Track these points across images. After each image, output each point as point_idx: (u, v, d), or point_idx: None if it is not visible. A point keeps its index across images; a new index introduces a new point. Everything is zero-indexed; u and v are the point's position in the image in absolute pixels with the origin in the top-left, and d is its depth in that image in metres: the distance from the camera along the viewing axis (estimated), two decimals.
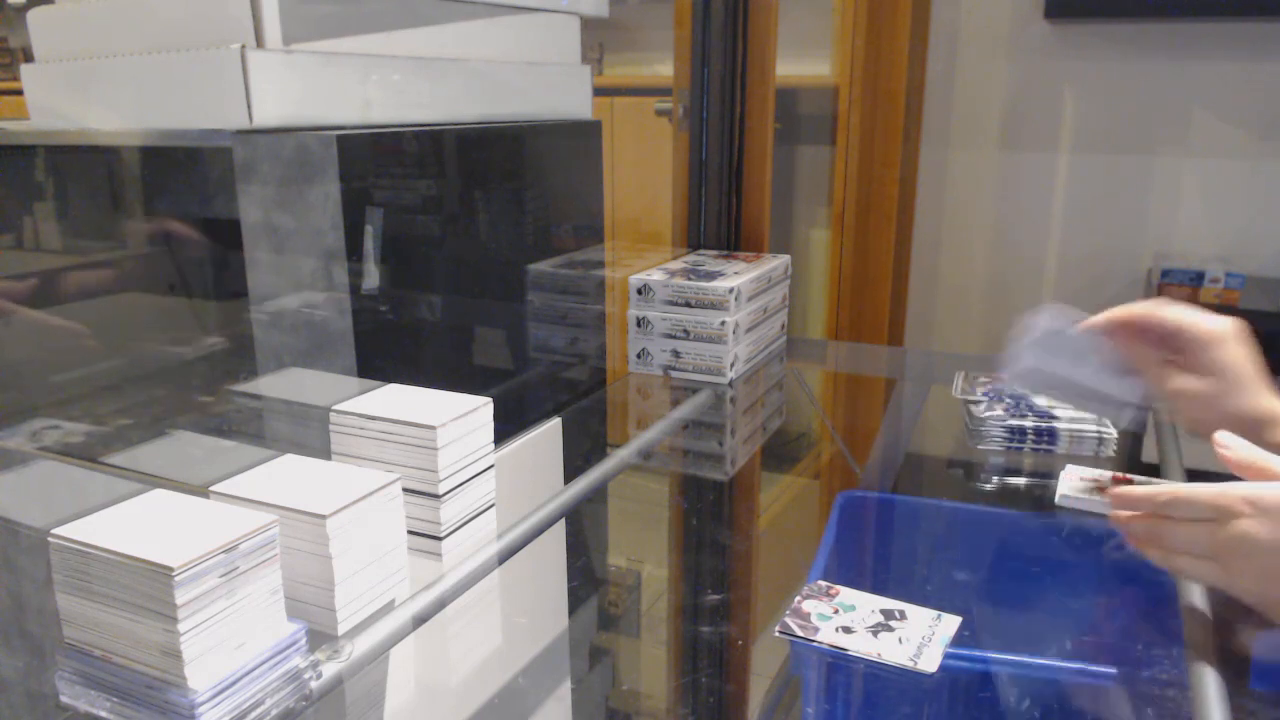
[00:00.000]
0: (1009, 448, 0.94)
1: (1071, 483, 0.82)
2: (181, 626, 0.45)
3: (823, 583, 0.66)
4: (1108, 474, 0.84)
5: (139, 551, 0.45)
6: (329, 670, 0.54)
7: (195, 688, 0.46)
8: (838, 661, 0.60)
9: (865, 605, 0.63)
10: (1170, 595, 0.68)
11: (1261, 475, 0.58)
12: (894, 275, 2.27)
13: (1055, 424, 0.93)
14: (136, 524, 0.48)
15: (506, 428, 0.81)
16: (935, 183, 2.42)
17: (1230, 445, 0.59)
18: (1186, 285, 1.99)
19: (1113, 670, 0.62)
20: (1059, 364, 0.72)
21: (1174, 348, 0.71)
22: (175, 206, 0.78)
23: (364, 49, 0.74)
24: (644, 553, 0.88)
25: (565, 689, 0.67)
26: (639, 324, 1.13)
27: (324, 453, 0.65)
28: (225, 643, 0.47)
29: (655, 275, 1.13)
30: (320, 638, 0.55)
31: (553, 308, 0.96)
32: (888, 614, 0.62)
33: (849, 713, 0.62)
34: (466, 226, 0.83)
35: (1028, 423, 0.94)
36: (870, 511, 0.88)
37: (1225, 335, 0.70)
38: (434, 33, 0.81)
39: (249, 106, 0.65)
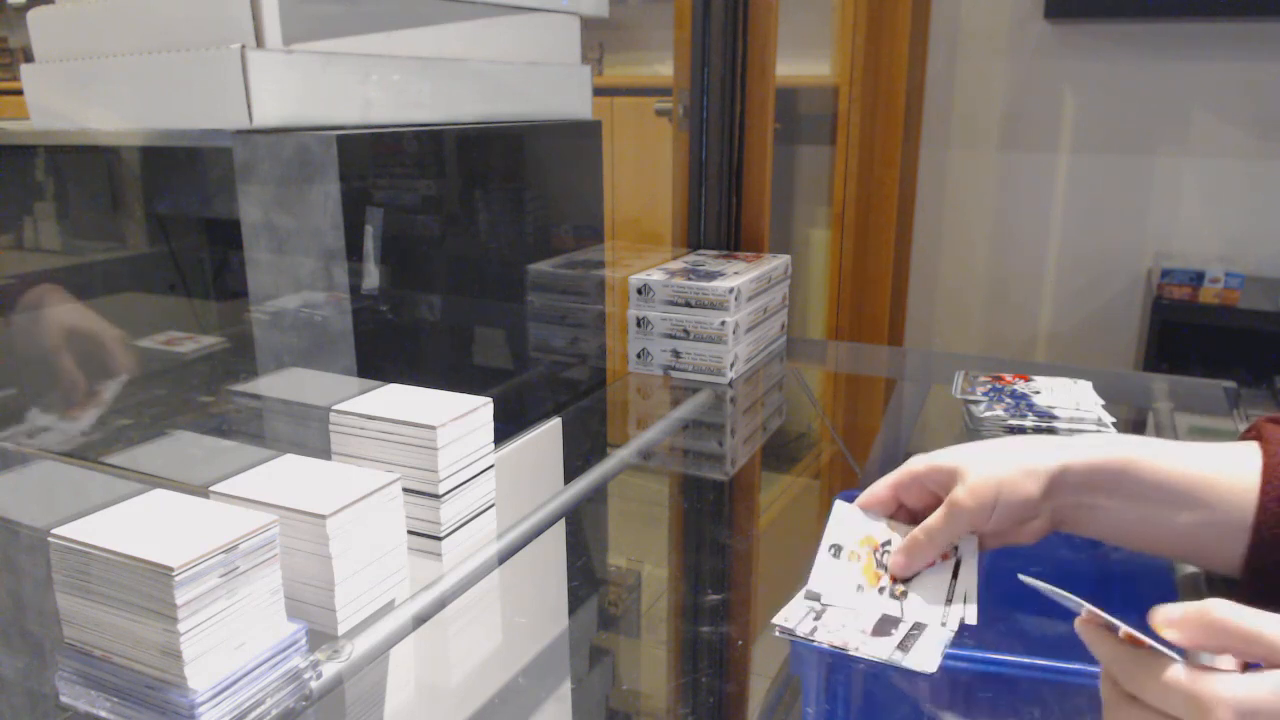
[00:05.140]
0: None
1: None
2: (181, 626, 0.45)
3: None
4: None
5: (139, 551, 0.45)
6: (329, 670, 0.54)
7: (195, 688, 0.46)
8: (838, 661, 0.60)
9: (865, 605, 0.63)
10: (1170, 595, 0.68)
11: (1242, 644, 0.43)
12: (894, 275, 2.28)
13: (1055, 424, 0.93)
14: (136, 524, 0.48)
15: (506, 428, 0.81)
16: (935, 183, 2.43)
17: (1178, 621, 0.44)
18: (1186, 285, 2.00)
19: None
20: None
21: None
22: (175, 206, 0.78)
23: (364, 49, 0.74)
24: (644, 553, 0.88)
25: (565, 689, 0.66)
26: (639, 324, 1.13)
27: (324, 453, 0.65)
28: (225, 643, 0.47)
29: (655, 275, 1.13)
30: (320, 638, 0.55)
31: (553, 308, 0.96)
32: (888, 614, 0.62)
33: (849, 713, 0.62)
34: (466, 226, 0.83)
35: (1027, 423, 0.94)
36: None
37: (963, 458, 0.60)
38: (434, 33, 0.81)
39: (249, 106, 0.65)
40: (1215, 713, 0.41)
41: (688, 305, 1.10)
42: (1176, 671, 0.43)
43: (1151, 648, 0.44)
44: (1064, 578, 0.59)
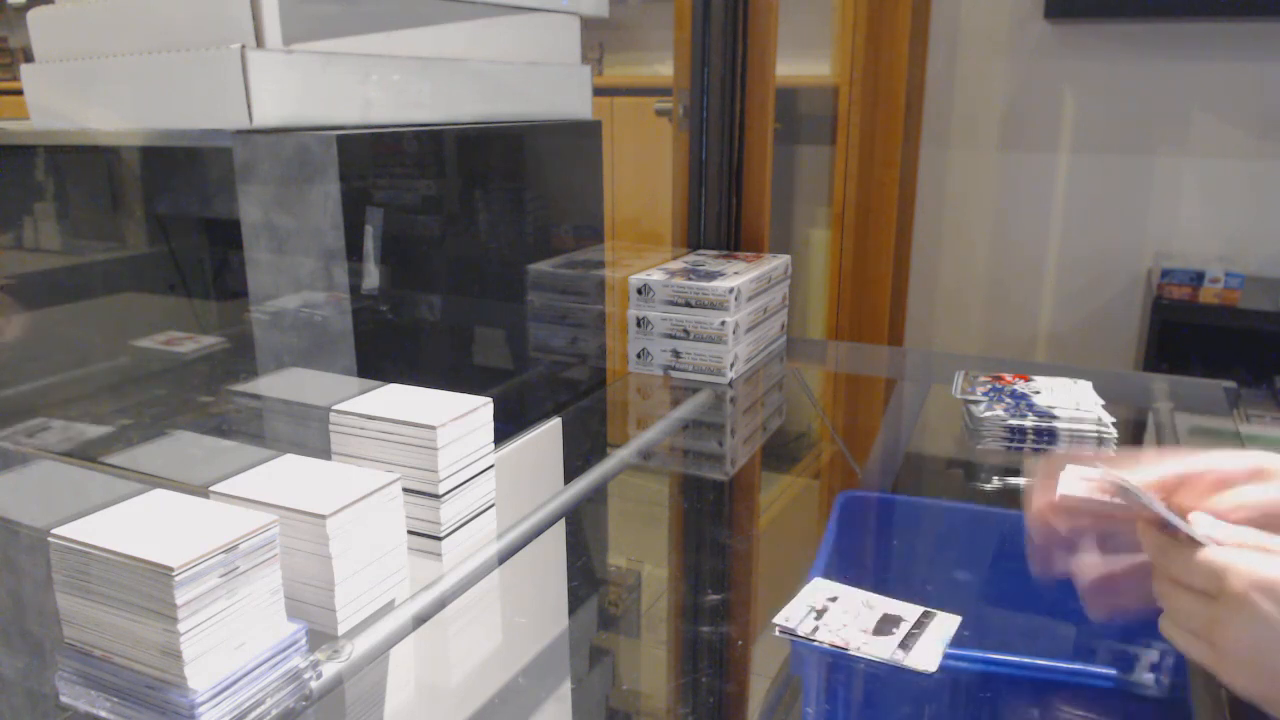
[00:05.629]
0: (1009, 448, 0.94)
1: (1072, 483, 0.82)
2: (181, 626, 0.45)
3: (823, 582, 0.66)
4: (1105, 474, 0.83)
5: (139, 551, 0.45)
6: (329, 670, 0.54)
7: (195, 688, 0.46)
8: (838, 661, 0.60)
9: (865, 605, 0.63)
10: None
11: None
12: (894, 275, 2.27)
13: (1055, 424, 0.93)
14: (136, 524, 0.48)
15: (506, 428, 0.81)
16: (935, 183, 2.42)
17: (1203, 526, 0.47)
18: (1186, 285, 1.99)
19: (1112, 671, 0.62)
20: None
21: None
22: (175, 207, 0.78)
23: (364, 49, 0.74)
24: (644, 553, 0.88)
25: (565, 689, 0.67)
26: (639, 324, 1.13)
27: (324, 453, 0.65)
28: (225, 643, 0.47)
29: (655, 275, 1.13)
30: (320, 638, 0.55)
31: (553, 308, 0.96)
32: (888, 614, 0.62)
33: (849, 713, 0.62)
34: (466, 226, 0.83)
35: (1028, 423, 0.94)
36: (870, 511, 0.88)
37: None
38: (434, 33, 0.81)
39: (249, 106, 0.65)
40: (1229, 581, 0.44)
41: (688, 305, 1.10)
42: (1203, 551, 0.47)
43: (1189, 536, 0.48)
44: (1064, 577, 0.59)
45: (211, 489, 0.55)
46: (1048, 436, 0.93)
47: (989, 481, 0.91)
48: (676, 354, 1.12)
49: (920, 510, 0.90)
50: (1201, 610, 0.47)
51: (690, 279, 1.11)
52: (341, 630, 0.55)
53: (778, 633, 0.61)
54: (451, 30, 0.82)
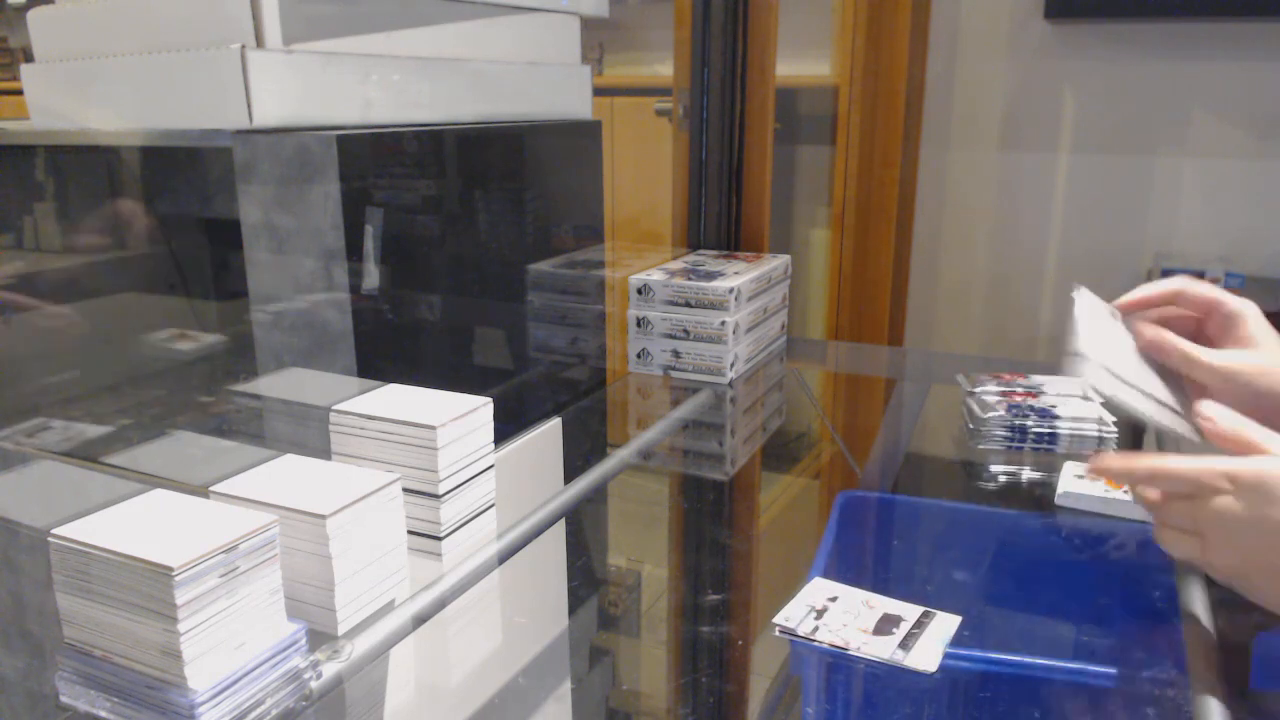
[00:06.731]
0: (1009, 448, 0.94)
1: (1072, 480, 0.82)
2: (181, 626, 0.45)
3: (823, 582, 0.66)
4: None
5: (139, 551, 0.45)
6: (329, 670, 0.54)
7: (195, 688, 0.46)
8: (838, 661, 0.60)
9: (865, 605, 0.63)
10: (1170, 595, 0.68)
11: (1245, 449, 0.55)
12: (894, 275, 2.27)
13: (1055, 424, 0.93)
14: (136, 524, 0.48)
15: (506, 428, 0.81)
16: (935, 183, 2.42)
17: (1212, 416, 0.56)
18: None
19: (1113, 670, 0.62)
20: (1124, 366, 0.65)
21: (1199, 329, 0.70)
22: (175, 207, 0.78)
23: (364, 49, 0.74)
24: (644, 553, 0.88)
25: (565, 689, 0.66)
26: (639, 324, 1.13)
27: (324, 453, 0.65)
28: (225, 643, 0.47)
29: (655, 275, 1.13)
30: (320, 638, 0.55)
31: (553, 308, 0.96)
32: (888, 614, 0.62)
33: (849, 713, 0.62)
34: (466, 226, 0.83)
35: (1028, 423, 0.94)
36: (870, 511, 0.88)
37: (1250, 312, 0.67)
38: (434, 33, 0.81)
39: (249, 106, 0.65)
40: (1211, 480, 0.53)
41: (688, 305, 1.10)
42: (1172, 462, 0.56)
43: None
44: (1065, 575, 0.59)
45: (211, 489, 0.55)
46: (1048, 437, 0.93)
47: (989, 481, 0.91)
48: (676, 354, 1.12)
49: (920, 510, 0.90)
50: (1186, 510, 0.55)
51: (690, 279, 1.11)
52: (341, 630, 0.55)
53: (778, 633, 0.61)
54: (451, 30, 0.82)
